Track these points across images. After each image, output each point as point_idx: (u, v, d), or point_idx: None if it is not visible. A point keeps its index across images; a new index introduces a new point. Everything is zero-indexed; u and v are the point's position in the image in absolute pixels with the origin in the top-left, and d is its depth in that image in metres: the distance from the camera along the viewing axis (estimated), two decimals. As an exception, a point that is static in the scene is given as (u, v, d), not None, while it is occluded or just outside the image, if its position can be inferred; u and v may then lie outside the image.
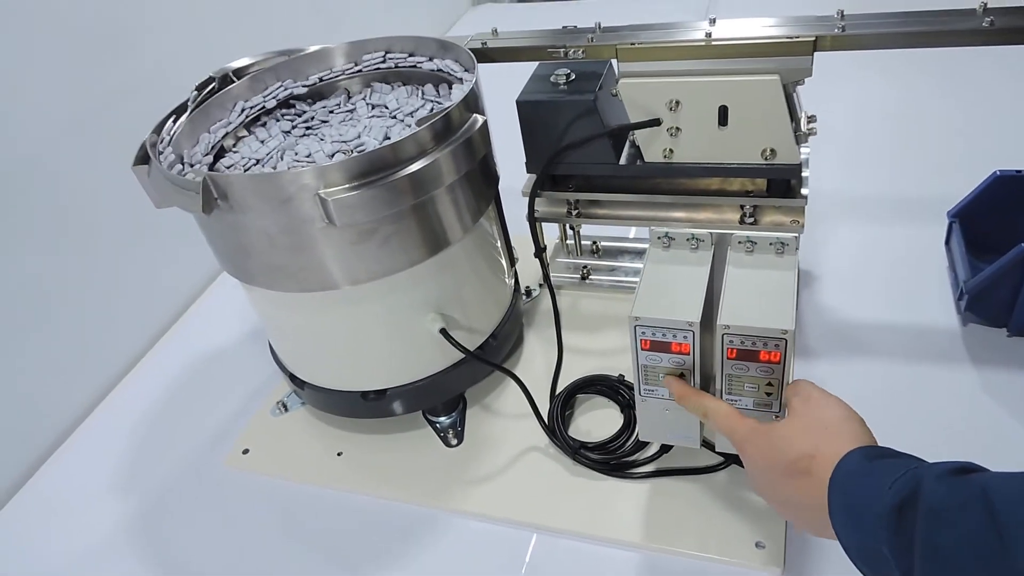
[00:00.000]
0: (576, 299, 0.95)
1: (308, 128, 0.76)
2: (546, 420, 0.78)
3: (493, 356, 0.80)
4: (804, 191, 0.77)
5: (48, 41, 0.87)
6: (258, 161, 0.71)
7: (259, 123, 0.78)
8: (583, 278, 0.96)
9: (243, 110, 0.77)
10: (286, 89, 0.80)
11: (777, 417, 0.60)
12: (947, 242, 0.91)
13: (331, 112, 0.78)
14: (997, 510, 0.38)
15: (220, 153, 0.74)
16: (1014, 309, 0.78)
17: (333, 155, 0.69)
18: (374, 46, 0.82)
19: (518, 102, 0.79)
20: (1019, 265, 0.73)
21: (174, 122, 0.73)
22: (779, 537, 0.66)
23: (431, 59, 0.80)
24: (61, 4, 0.88)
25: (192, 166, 0.70)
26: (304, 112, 0.79)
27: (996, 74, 1.25)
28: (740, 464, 0.71)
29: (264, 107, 0.78)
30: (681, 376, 0.62)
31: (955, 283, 0.86)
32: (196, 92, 0.76)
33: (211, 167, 0.71)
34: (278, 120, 0.78)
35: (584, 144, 0.78)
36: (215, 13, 1.13)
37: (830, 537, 0.50)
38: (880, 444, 0.50)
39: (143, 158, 0.69)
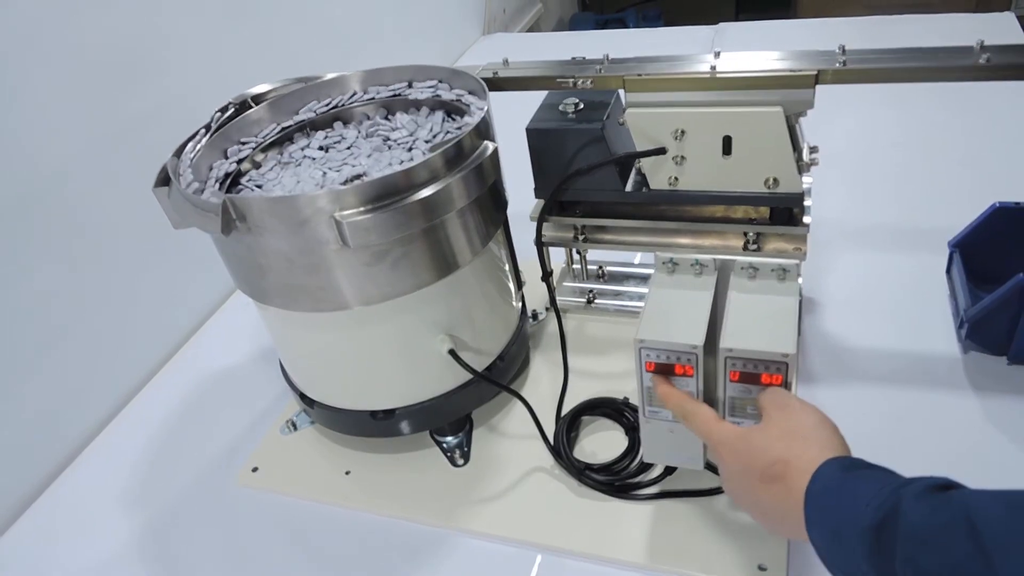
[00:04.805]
0: (582, 323, 0.96)
1: (304, 163, 0.78)
2: (552, 441, 0.79)
3: (500, 377, 0.81)
4: (806, 219, 0.79)
5: (73, 67, 0.90)
6: (275, 184, 0.73)
7: (276, 147, 0.80)
8: (589, 302, 0.97)
9: (261, 134, 0.79)
10: (303, 115, 0.82)
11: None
12: (948, 271, 0.92)
13: (346, 137, 0.81)
14: (981, 533, 0.39)
15: (237, 176, 0.76)
16: (1013, 338, 0.79)
17: (347, 180, 0.71)
18: (389, 74, 0.84)
19: (528, 130, 0.81)
20: (1018, 295, 0.74)
21: (194, 146, 0.75)
22: (781, 560, 0.66)
23: (444, 87, 0.82)
24: (87, 32, 0.91)
25: (213, 188, 0.73)
26: (320, 137, 0.81)
27: (999, 104, 1.27)
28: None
29: (281, 132, 0.80)
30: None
31: (956, 311, 0.87)
32: (216, 117, 0.78)
33: (228, 190, 0.73)
34: (294, 145, 0.81)
35: (591, 171, 0.80)
36: (234, 43, 1.16)
37: (805, 539, 0.50)
38: (878, 466, 0.50)
39: (164, 180, 0.71)
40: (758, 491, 0.53)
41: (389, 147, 0.76)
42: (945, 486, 0.44)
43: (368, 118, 0.83)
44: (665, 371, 0.62)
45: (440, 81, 0.82)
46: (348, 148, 0.78)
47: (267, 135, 0.80)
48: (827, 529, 0.47)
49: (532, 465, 0.79)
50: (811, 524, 0.48)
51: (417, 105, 0.83)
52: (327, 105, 0.83)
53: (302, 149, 0.79)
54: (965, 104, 1.29)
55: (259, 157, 0.79)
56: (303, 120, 0.82)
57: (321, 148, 0.79)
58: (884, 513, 0.43)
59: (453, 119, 0.79)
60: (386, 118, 0.82)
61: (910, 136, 1.26)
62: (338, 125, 0.83)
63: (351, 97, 0.84)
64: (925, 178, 1.15)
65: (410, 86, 0.83)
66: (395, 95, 0.83)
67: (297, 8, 1.32)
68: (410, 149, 0.74)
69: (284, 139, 0.81)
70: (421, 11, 1.78)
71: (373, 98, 0.84)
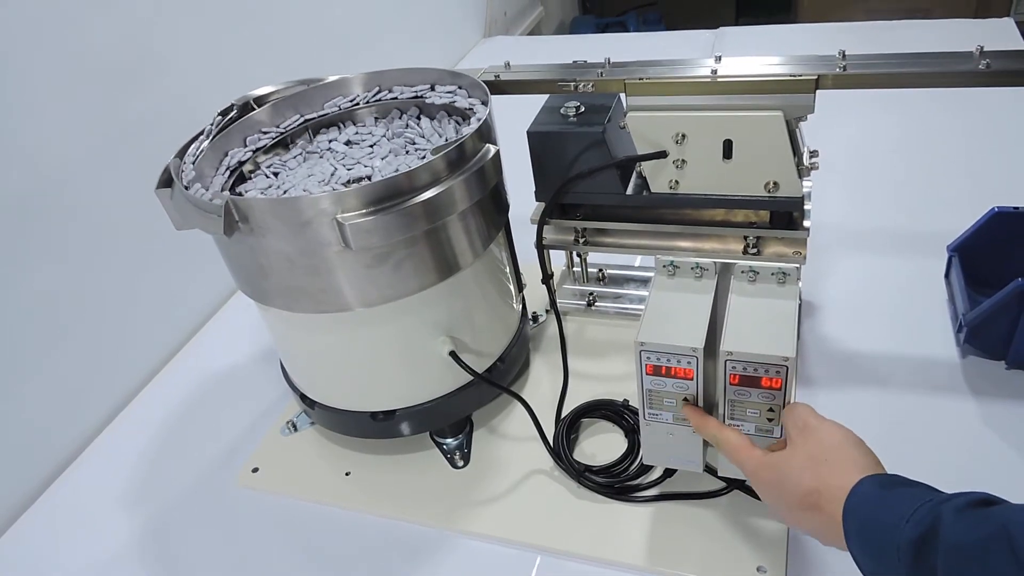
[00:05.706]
0: (582, 325, 0.97)
1: (326, 155, 0.79)
2: (551, 443, 0.79)
3: (501, 379, 0.82)
4: (806, 223, 0.79)
5: (74, 67, 0.90)
6: (276, 186, 0.74)
7: (279, 149, 0.81)
8: (589, 305, 0.97)
9: (263, 137, 0.80)
10: (305, 117, 0.82)
11: (777, 440, 0.61)
12: (947, 275, 0.92)
13: (348, 140, 0.81)
14: (1019, 549, 0.39)
15: (240, 178, 0.76)
16: (1012, 342, 0.79)
17: (349, 182, 0.71)
18: (391, 77, 0.85)
19: (529, 133, 0.81)
20: (1016, 299, 0.75)
21: (196, 147, 0.76)
22: (780, 562, 0.66)
23: (446, 90, 0.82)
24: (88, 34, 0.91)
25: (224, 176, 0.73)
26: (322, 140, 0.82)
27: (998, 109, 1.27)
28: (743, 490, 0.73)
29: (284, 134, 0.81)
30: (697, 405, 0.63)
31: (955, 316, 0.88)
32: (218, 119, 0.79)
33: (231, 191, 0.74)
34: (296, 147, 0.81)
35: (592, 174, 0.80)
36: (235, 45, 1.16)
37: None
38: (916, 481, 0.50)
39: (166, 181, 0.71)
40: (800, 517, 0.54)
41: (407, 152, 0.76)
42: (986, 501, 0.44)
43: (401, 115, 0.83)
44: (665, 373, 0.62)
45: (459, 87, 0.82)
46: (371, 146, 0.78)
47: (288, 125, 0.81)
48: (866, 544, 0.48)
49: (532, 467, 0.79)
50: (850, 539, 0.49)
51: (420, 108, 0.83)
52: (329, 107, 0.83)
53: (329, 141, 0.80)
54: (964, 109, 1.29)
55: (261, 159, 0.79)
56: (305, 123, 0.82)
57: (322, 151, 0.79)
58: (923, 529, 0.43)
59: (455, 122, 0.80)
60: (389, 120, 0.82)
61: (909, 141, 1.26)
62: (369, 121, 0.83)
63: (353, 99, 0.84)
64: (924, 182, 1.15)
65: (424, 87, 0.84)
66: (398, 98, 0.84)
67: (297, 9, 1.33)
68: (423, 158, 0.75)
69: (286, 142, 0.81)
70: (422, 13, 1.79)
71: (396, 97, 0.84)
